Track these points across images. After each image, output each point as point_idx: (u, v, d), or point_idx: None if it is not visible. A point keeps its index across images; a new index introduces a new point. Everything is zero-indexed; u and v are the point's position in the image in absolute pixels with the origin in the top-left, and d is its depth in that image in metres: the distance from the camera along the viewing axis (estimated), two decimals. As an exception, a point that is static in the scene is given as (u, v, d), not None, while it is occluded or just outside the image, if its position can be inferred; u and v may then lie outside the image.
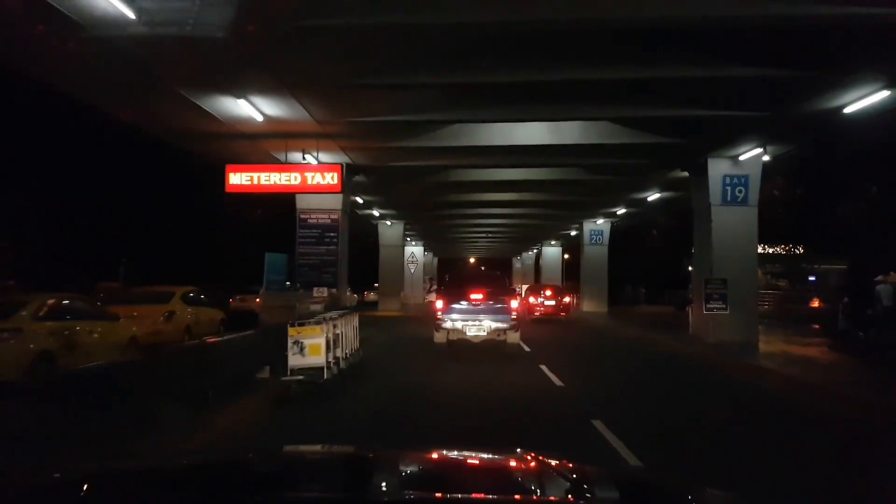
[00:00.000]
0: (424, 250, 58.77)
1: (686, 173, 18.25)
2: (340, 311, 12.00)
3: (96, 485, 1.76)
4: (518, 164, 17.59)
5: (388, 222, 32.90)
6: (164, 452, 4.33)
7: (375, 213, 28.89)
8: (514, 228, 39.06)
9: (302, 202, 17.14)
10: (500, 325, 13.22)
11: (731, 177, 16.73)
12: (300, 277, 16.99)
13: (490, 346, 14.50)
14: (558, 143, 14.79)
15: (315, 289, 15.80)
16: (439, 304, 13.62)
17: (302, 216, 17.19)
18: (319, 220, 17.14)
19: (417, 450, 2.47)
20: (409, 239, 45.46)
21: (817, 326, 21.08)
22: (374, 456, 2.26)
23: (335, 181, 13.91)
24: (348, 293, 40.29)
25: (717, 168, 16.68)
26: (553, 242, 47.90)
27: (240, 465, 2.17)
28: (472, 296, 13.46)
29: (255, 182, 13.91)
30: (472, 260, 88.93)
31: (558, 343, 17.70)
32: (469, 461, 2.26)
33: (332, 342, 10.33)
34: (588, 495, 1.91)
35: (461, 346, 14.56)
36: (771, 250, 45.05)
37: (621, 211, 28.08)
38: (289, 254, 17.24)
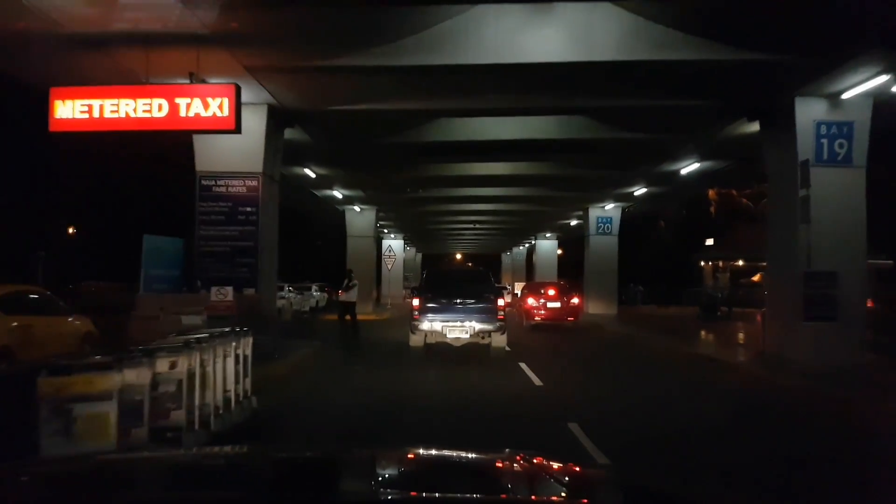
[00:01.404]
0: (406, 245, 53.43)
1: (753, 127, 13.03)
2: (214, 332, 6.63)
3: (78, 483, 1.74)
4: (519, 105, 12.19)
5: (357, 208, 27.46)
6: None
7: (338, 194, 23.41)
8: (506, 217, 33.73)
9: (203, 160, 11.70)
10: (484, 326, 11.81)
11: (829, 124, 11.49)
12: (201, 273, 11.57)
13: (485, 388, 9.39)
14: (581, 61, 9.43)
15: (215, 289, 10.38)
16: (416, 303, 12.12)
17: (204, 182, 11.75)
18: (230, 189, 11.71)
19: (403, 450, 2.40)
20: (386, 231, 40.12)
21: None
22: (357, 456, 2.24)
23: (226, 113, 8.48)
24: (313, 292, 34.79)
25: (809, 111, 11.45)
26: (548, 235, 42.69)
27: (228, 465, 2.14)
28: (453, 294, 11.97)
29: (96, 114, 8.45)
30: (458, 256, 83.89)
31: (580, 370, 12.25)
32: (456, 462, 2.24)
33: (148, 402, 4.96)
34: (581, 497, 1.89)
35: (439, 375, 9.63)
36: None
37: (640, 191, 22.76)
38: (187, 237, 11.85)
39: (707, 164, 17.66)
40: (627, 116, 13.79)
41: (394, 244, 40.12)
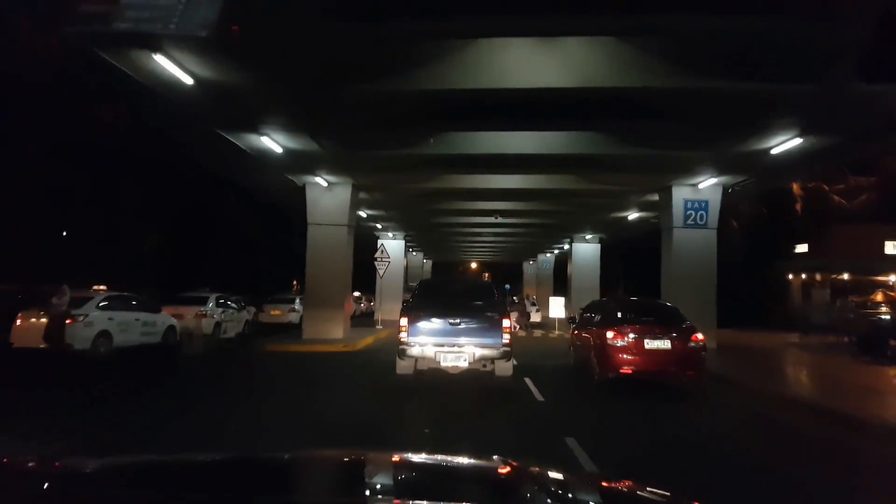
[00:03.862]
0: (410, 249, 44.24)
1: None
2: None
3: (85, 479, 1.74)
4: None
5: (321, 180, 18.21)
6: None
7: (274, 145, 13.99)
8: (538, 204, 24.41)
9: None
10: (486, 352, 9.67)
11: None
12: None
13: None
14: None
15: None
16: (404, 322, 9.90)
17: None
18: None
19: (390, 453, 2.26)
20: (379, 226, 30.95)
21: None
22: (343, 458, 2.17)
23: None
24: (296, 305, 25.50)
25: None
26: (588, 237, 33.30)
27: (240, 465, 2.02)
28: (449, 311, 9.88)
29: None
30: (473, 265, 74.56)
31: None
32: (444, 466, 2.16)
33: None
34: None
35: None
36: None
37: (791, 142, 13.15)
38: None
39: None
40: None
41: (390, 245, 30.83)
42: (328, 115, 12.16)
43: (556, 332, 25.57)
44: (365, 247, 27.50)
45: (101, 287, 17.21)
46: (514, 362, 10.07)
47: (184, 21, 6.17)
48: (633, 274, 44.36)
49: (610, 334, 10.24)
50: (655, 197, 19.77)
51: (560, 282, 47.08)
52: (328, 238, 18.99)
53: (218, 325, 18.39)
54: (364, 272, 25.00)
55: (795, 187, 35.29)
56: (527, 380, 11.15)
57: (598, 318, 11.51)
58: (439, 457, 2.24)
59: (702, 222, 18.19)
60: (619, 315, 10.88)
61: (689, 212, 18.19)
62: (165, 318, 16.17)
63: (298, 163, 15.93)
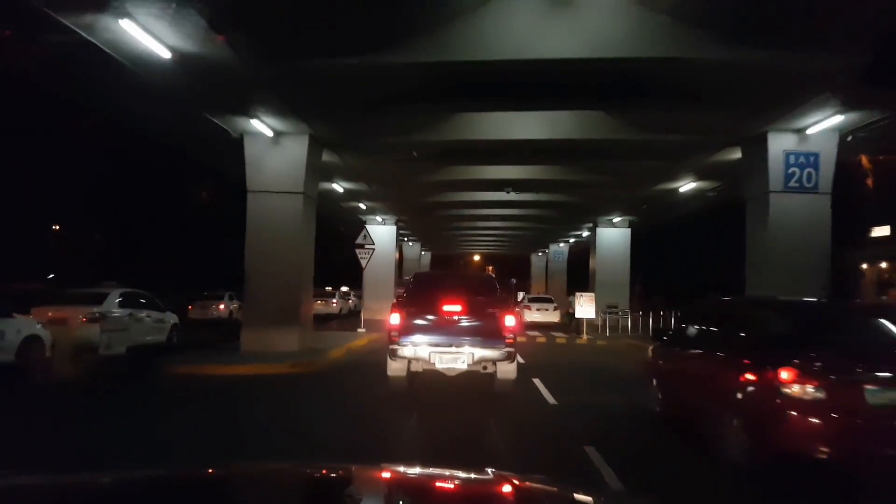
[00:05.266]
0: (405, 238, 38.78)
1: None
2: None
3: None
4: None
5: (264, 126, 12.65)
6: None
7: (151, 42, 8.37)
8: (566, 169, 18.85)
9: None
10: (487, 352, 8.96)
11: None
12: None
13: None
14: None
15: None
16: (396, 319, 9.13)
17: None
18: None
19: (383, 468, 2.16)
20: (363, 207, 25.40)
21: None
22: (330, 472, 2.05)
23: None
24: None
25: None
26: (617, 220, 27.62)
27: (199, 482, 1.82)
28: (446, 308, 9.10)
29: None
30: (476, 258, 69.01)
31: None
32: (438, 481, 2.04)
33: None
34: None
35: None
36: None
37: None
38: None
39: None
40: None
41: (378, 231, 25.43)
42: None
43: (585, 337, 20.17)
44: (350, 235, 22.30)
45: None
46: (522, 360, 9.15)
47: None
48: (653, 265, 38.86)
49: (785, 375, 4.67)
50: (734, 154, 14.24)
51: (573, 277, 41.61)
52: (276, 212, 13.45)
53: (114, 333, 12.83)
54: (353, 264, 20.07)
55: (864, 159, 29.82)
56: (594, 456, 5.66)
57: (733, 334, 5.89)
58: (434, 470, 2.13)
59: (810, 184, 12.63)
60: (793, 332, 5.29)
61: (791, 169, 12.62)
62: (24, 324, 10.75)
63: (212, 87, 10.36)
